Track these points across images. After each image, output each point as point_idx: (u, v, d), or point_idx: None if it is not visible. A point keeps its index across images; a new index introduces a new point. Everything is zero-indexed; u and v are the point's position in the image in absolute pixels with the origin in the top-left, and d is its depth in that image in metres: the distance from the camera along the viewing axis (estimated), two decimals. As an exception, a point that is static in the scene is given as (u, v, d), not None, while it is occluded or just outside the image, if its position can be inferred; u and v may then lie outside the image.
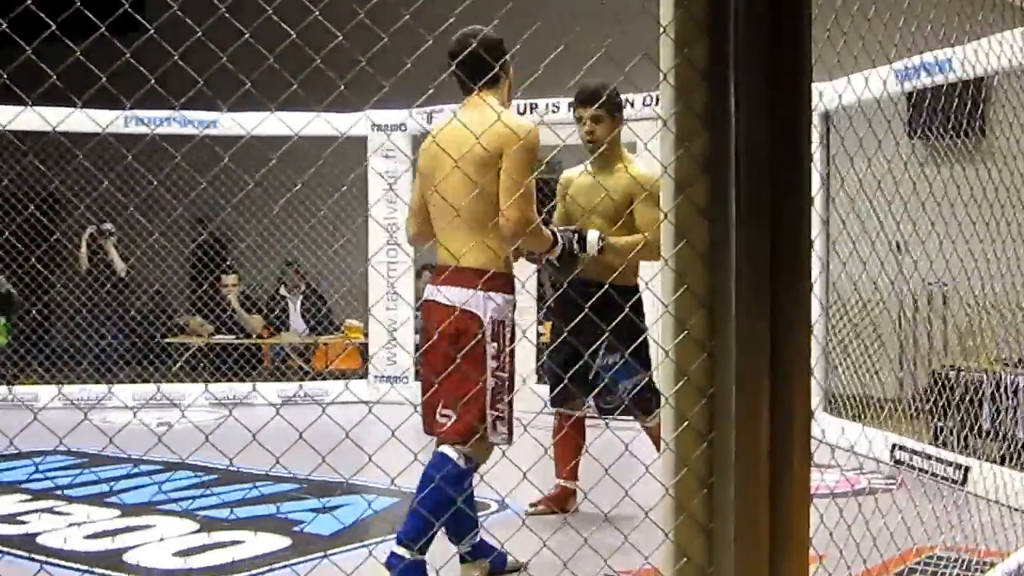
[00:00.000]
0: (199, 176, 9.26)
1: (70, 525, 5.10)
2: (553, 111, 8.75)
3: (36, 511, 5.37)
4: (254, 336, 10.93)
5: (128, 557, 4.59)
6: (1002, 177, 4.44)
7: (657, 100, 2.88)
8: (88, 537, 4.91)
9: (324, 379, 10.38)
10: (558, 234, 4.48)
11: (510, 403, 3.97)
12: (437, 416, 4.00)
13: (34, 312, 10.18)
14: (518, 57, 3.96)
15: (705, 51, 2.22)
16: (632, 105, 8.20)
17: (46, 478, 6.01)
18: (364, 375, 10.14)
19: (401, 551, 3.89)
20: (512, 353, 3.99)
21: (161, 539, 4.81)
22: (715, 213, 2.22)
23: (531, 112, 8.77)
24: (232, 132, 9.01)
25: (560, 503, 5.37)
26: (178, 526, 5.07)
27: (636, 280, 5.09)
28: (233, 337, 10.82)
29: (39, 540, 4.85)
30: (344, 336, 10.96)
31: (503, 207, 3.88)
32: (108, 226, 10.36)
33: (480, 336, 3.89)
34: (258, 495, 5.45)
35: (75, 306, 10.35)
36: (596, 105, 5.05)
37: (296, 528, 5.05)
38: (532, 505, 5.33)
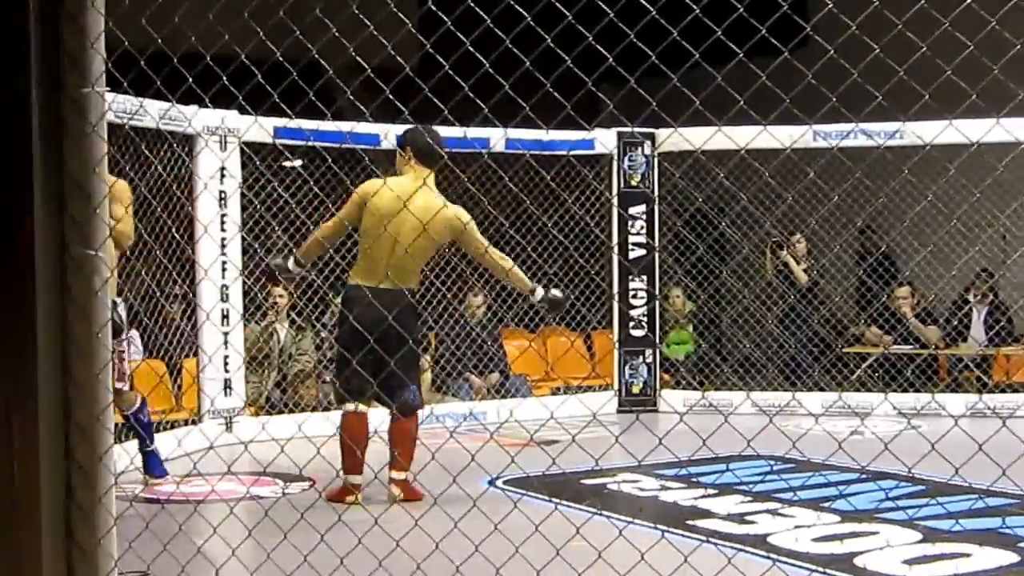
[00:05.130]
0: (874, 187, 9.35)
1: (797, 527, 5.38)
2: None
3: (759, 512, 5.71)
4: (930, 347, 10.81)
5: (858, 561, 4.78)
6: None
7: None
8: (816, 540, 5.16)
9: (1005, 391, 10.05)
10: None
11: None
12: None
13: (722, 322, 10.76)
14: None
15: None
16: None
17: (746, 482, 6.34)
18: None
19: None
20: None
21: (886, 546, 4.95)
22: None
23: None
24: (912, 143, 9.02)
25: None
26: (901, 534, 5.19)
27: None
28: (910, 348, 10.77)
29: (770, 540, 5.16)
30: (1026, 347, 10.54)
31: None
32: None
33: None
34: (981, 507, 5.44)
35: (758, 315, 10.77)
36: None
37: (1022, 544, 5.00)
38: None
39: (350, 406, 6.08)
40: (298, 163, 9.71)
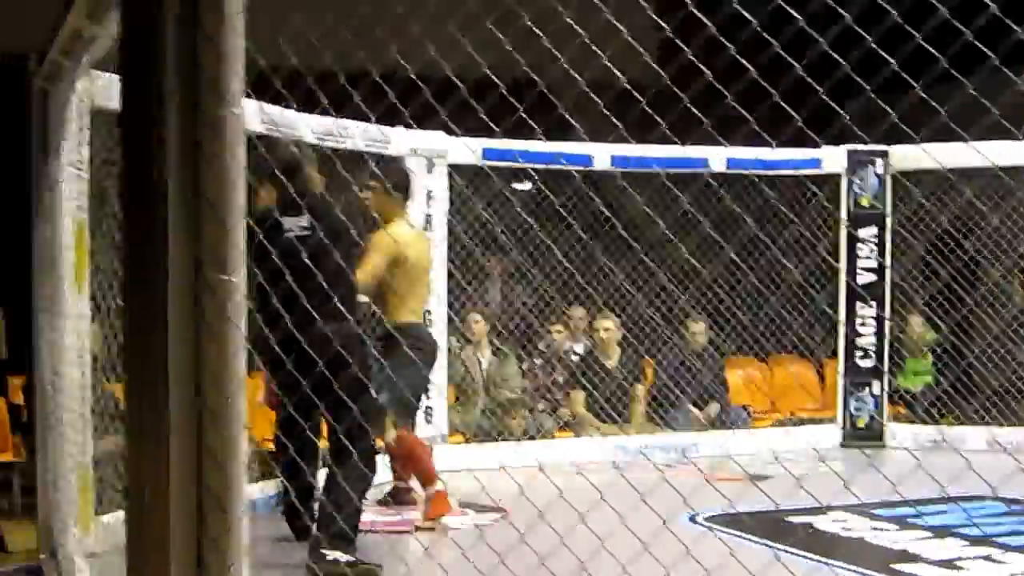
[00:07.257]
0: None
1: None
2: None
3: (973, 558, 5.29)
4: None
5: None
6: None
7: None
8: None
9: None
10: None
11: None
12: None
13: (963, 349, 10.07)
14: None
15: None
16: None
17: (977, 524, 5.88)
18: None
19: None
20: None
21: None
22: None
23: None
24: None
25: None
26: None
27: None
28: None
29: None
30: None
31: None
32: None
33: None
34: None
35: (1000, 344, 10.00)
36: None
37: None
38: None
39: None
40: (528, 185, 9.62)
